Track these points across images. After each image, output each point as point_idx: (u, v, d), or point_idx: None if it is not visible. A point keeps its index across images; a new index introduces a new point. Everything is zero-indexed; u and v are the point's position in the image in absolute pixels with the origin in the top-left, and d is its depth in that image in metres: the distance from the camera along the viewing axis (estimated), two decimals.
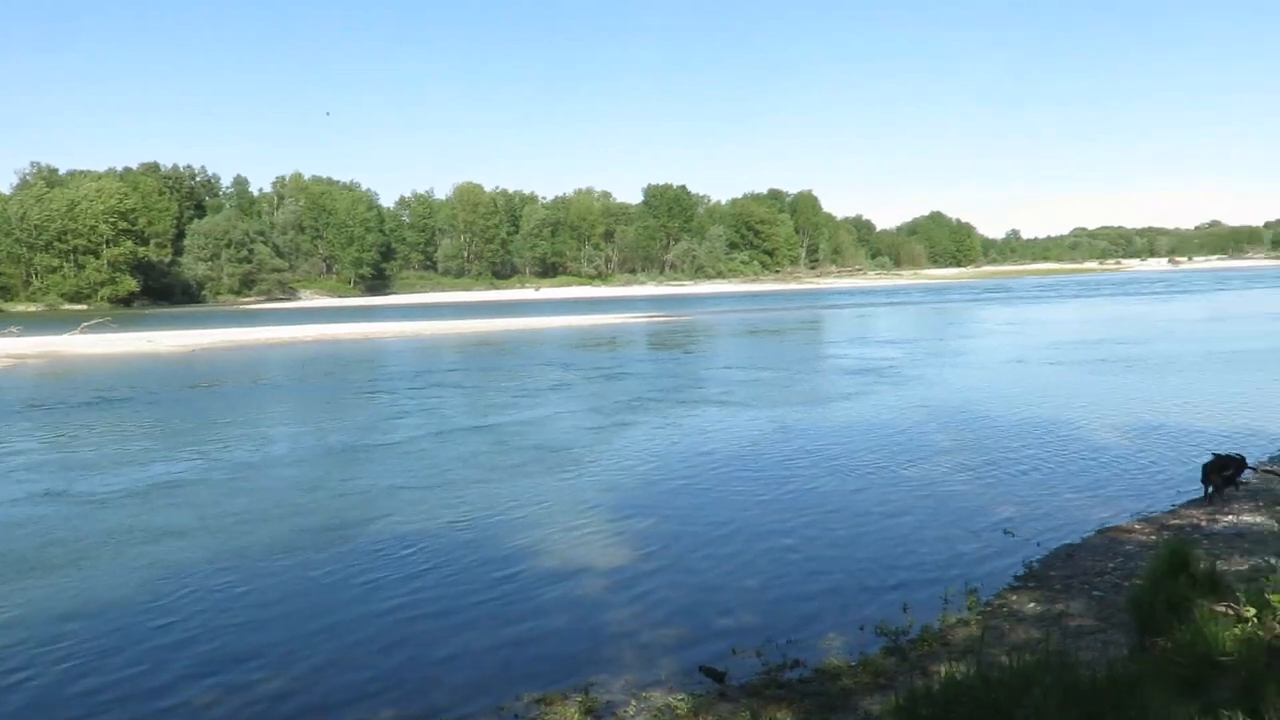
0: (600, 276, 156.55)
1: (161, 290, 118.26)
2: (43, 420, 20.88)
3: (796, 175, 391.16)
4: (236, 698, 6.55)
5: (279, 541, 10.41)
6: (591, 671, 6.72)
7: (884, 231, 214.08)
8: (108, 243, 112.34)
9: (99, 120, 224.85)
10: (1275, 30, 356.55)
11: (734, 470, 13.66)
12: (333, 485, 13.32)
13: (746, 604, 8.11)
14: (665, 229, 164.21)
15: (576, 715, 5.99)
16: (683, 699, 6.11)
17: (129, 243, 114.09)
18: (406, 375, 29.17)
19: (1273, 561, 7.61)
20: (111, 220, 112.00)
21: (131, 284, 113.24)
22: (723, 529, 10.53)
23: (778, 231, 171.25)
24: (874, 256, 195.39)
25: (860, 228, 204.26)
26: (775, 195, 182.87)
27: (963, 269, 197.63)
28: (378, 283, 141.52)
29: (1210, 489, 10.77)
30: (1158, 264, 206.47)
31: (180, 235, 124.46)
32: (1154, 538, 9.18)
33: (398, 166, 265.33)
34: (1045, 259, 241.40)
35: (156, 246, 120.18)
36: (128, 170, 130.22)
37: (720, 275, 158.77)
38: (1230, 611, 5.59)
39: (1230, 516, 9.95)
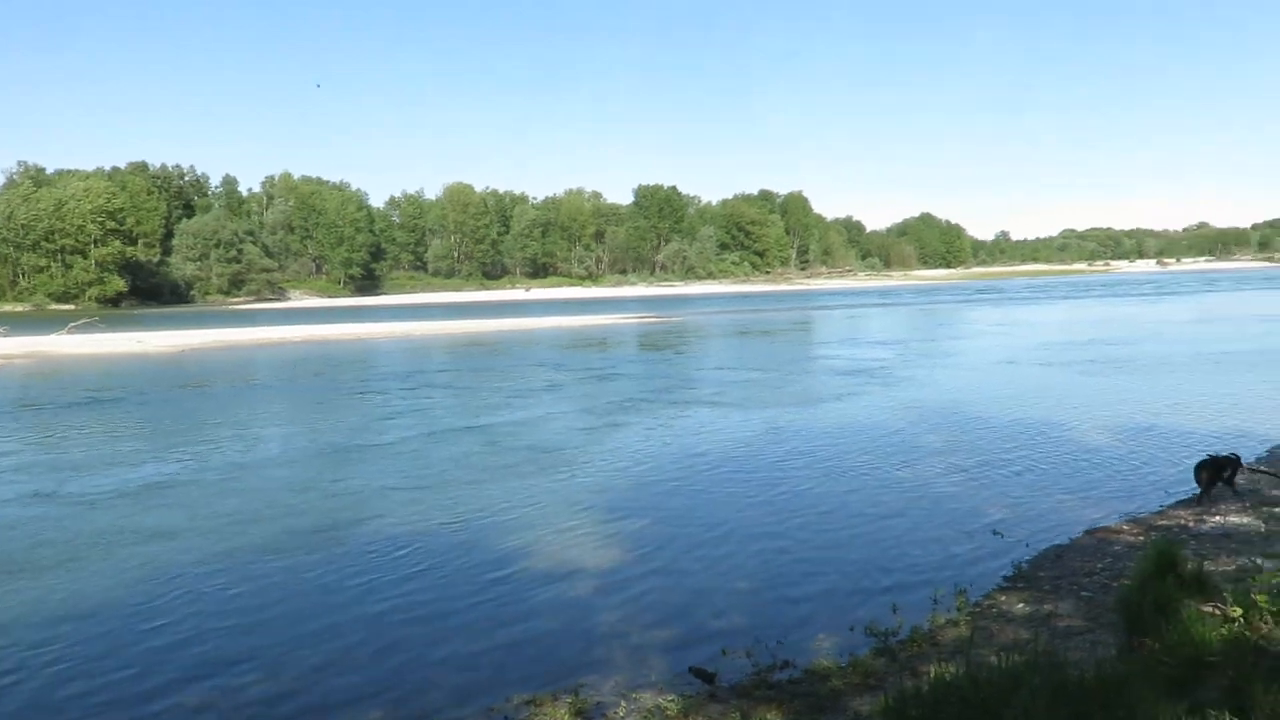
0: (591, 277, 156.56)
1: (150, 290, 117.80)
2: (31, 421, 20.77)
3: (787, 176, 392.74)
4: (228, 701, 6.54)
5: (271, 543, 10.39)
6: (582, 673, 6.73)
7: (874, 233, 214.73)
8: (95, 242, 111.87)
9: (87, 119, 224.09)
10: (1263, 35, 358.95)
11: (726, 472, 13.69)
12: (324, 486, 13.29)
13: (737, 605, 8.13)
14: (656, 230, 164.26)
15: (566, 717, 6.00)
16: (673, 700, 6.13)
17: (117, 242, 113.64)
18: (398, 376, 29.11)
19: (1259, 561, 7.67)
20: (99, 220, 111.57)
21: (119, 284, 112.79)
22: (714, 530, 10.54)
23: (768, 232, 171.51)
24: (864, 257, 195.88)
25: (850, 229, 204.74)
26: (766, 196, 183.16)
27: (953, 270, 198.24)
28: (367, 283, 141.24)
29: (1202, 489, 10.84)
30: (1146, 265, 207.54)
31: (169, 235, 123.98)
32: (1142, 538, 9.23)
33: (388, 166, 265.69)
34: (1034, 260, 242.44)
35: (145, 246, 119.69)
36: (116, 170, 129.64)
37: (711, 276, 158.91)
38: (1217, 612, 5.63)
39: (1217, 517, 10.02)
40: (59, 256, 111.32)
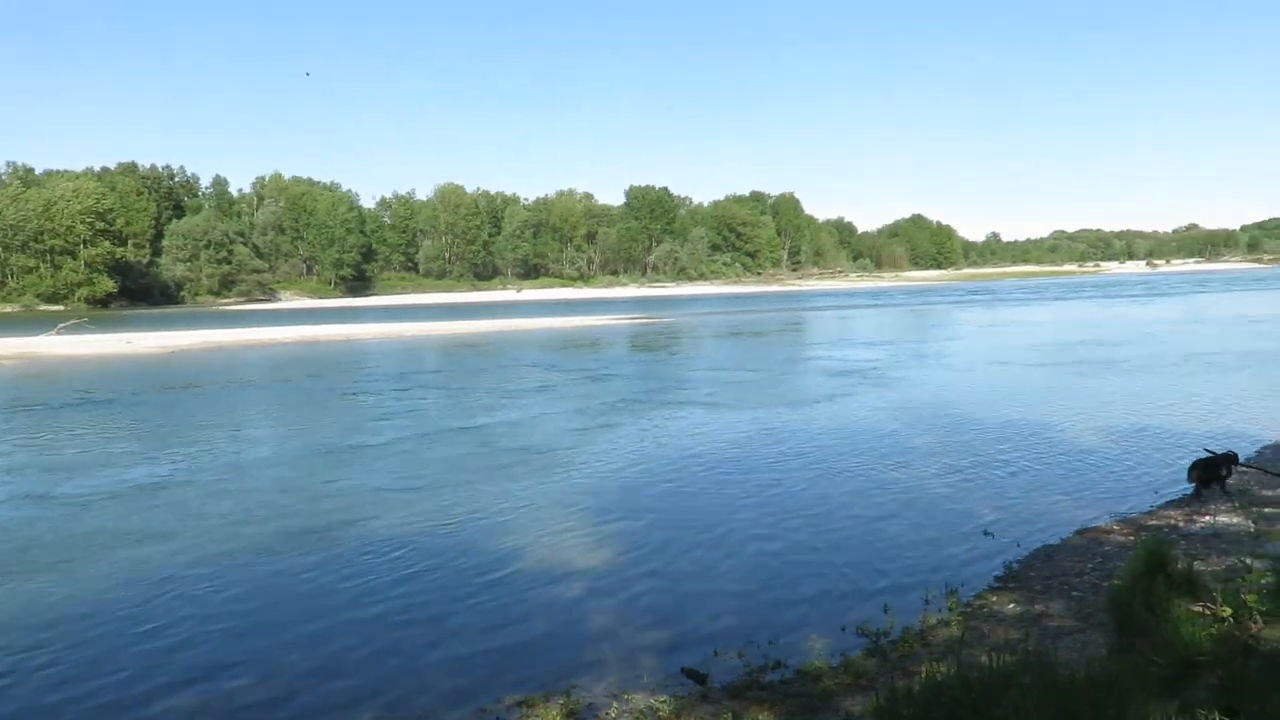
0: (582, 278, 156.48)
1: (139, 291, 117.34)
2: (22, 421, 20.67)
3: (778, 177, 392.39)
4: (221, 704, 6.52)
5: (263, 545, 10.37)
6: (574, 674, 6.74)
7: (865, 234, 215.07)
8: (85, 243, 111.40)
9: (76, 120, 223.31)
10: (1251, 38, 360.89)
11: (719, 473, 13.70)
12: (317, 488, 13.26)
13: (729, 606, 8.14)
14: (647, 230, 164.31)
15: (558, 718, 6.00)
16: (664, 700, 6.14)
17: (106, 243, 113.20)
18: (389, 377, 29.06)
19: (1249, 561, 7.71)
20: (89, 220, 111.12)
21: (109, 285, 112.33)
22: (707, 532, 10.55)
23: (760, 233, 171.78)
24: (856, 259, 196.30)
25: (842, 230, 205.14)
26: (757, 197, 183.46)
27: (944, 271, 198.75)
28: (358, 284, 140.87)
29: (1196, 487, 10.91)
30: (1136, 266, 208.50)
31: (159, 236, 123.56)
32: (1132, 538, 9.27)
33: (379, 167, 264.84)
34: (1025, 261, 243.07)
35: (134, 247, 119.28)
36: (105, 170, 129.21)
37: (702, 277, 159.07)
38: (1207, 611, 5.66)
39: (1207, 517, 10.08)
40: (48, 257, 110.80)
